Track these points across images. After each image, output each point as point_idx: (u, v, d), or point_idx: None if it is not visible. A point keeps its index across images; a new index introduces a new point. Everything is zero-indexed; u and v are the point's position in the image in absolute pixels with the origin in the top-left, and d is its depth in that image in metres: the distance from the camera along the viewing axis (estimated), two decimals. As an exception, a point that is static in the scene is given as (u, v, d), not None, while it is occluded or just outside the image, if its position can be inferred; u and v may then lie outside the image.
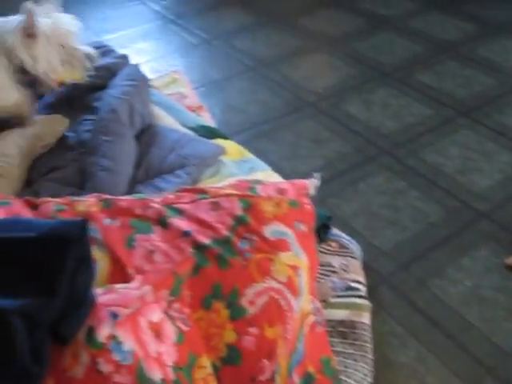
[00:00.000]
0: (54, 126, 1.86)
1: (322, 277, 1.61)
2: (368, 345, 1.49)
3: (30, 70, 1.76)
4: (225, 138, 2.03)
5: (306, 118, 2.49)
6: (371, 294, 1.65)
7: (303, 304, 1.32)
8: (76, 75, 1.87)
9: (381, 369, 1.49)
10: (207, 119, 2.31)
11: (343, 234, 1.78)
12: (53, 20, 1.77)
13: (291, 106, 2.58)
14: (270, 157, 2.15)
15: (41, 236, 0.96)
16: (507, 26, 3.41)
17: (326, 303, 1.53)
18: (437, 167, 2.17)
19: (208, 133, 2.04)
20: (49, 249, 0.95)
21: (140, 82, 2.04)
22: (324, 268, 1.64)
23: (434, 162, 2.19)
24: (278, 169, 1.88)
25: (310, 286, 1.37)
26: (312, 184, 1.58)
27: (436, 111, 2.51)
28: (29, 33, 1.70)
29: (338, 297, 1.55)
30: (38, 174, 1.77)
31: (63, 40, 1.80)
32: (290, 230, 1.40)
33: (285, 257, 1.33)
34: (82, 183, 1.75)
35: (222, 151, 1.86)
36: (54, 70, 1.80)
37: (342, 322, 1.51)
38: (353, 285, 1.59)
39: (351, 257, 1.69)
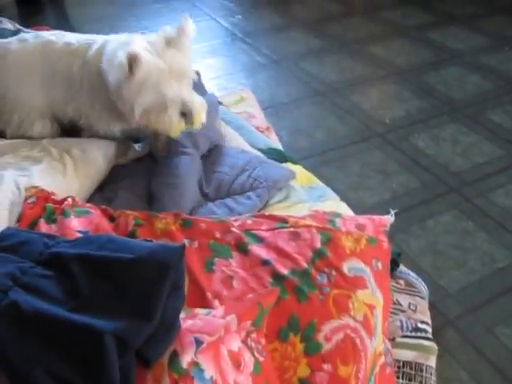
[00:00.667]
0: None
1: (390, 315, 1.60)
2: (433, 389, 1.47)
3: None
4: (294, 162, 2.03)
5: (373, 148, 2.48)
6: (436, 336, 1.62)
7: (377, 344, 1.32)
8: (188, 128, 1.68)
9: (443, 415, 1.47)
10: (275, 141, 2.32)
11: (411, 272, 1.76)
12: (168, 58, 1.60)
13: (359, 134, 2.57)
14: (336, 185, 2.13)
15: (141, 259, 0.97)
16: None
17: (393, 343, 1.51)
18: (506, 210, 2.13)
19: (278, 156, 2.05)
20: (148, 273, 0.96)
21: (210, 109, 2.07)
22: (392, 306, 1.62)
23: (503, 205, 2.16)
24: (344, 198, 1.86)
25: (383, 326, 1.36)
26: (389, 221, 1.57)
27: (507, 152, 2.47)
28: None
29: (406, 337, 1.54)
30: (111, 180, 1.81)
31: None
32: (368, 267, 1.39)
33: (362, 294, 1.33)
34: (150, 197, 1.78)
35: (293, 175, 1.86)
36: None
37: (408, 363, 1.49)
38: (420, 326, 1.57)
39: (419, 296, 1.67)
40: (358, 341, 1.26)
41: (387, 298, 1.41)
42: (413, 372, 1.48)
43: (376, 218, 1.54)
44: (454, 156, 2.44)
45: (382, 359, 1.35)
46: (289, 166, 1.95)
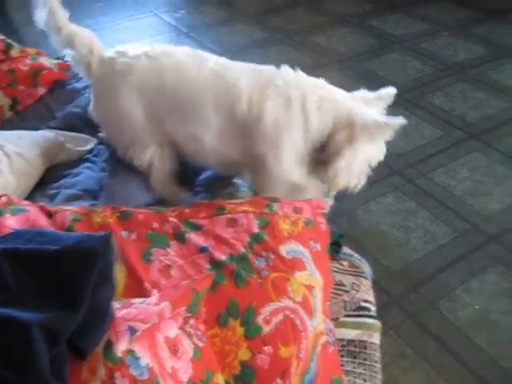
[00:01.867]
0: (80, 144, 1.90)
1: (334, 296, 1.62)
2: (377, 365, 1.49)
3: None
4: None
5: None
6: (380, 314, 1.65)
7: (317, 324, 1.33)
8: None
9: (390, 390, 1.50)
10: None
11: (354, 253, 1.78)
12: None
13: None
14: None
15: (66, 249, 0.97)
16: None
17: (336, 322, 1.53)
18: (447, 188, 2.18)
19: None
20: (74, 262, 0.96)
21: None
22: (335, 287, 1.64)
23: (444, 184, 2.21)
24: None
25: (323, 305, 1.38)
26: (327, 204, 1.59)
27: (446, 133, 2.53)
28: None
29: (349, 316, 1.56)
30: (53, 177, 1.79)
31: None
32: (306, 249, 1.40)
33: (301, 276, 1.34)
34: (96, 192, 1.77)
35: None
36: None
37: (352, 342, 1.51)
38: (364, 304, 1.59)
39: (362, 276, 1.69)
40: (297, 321, 1.27)
41: (327, 278, 1.43)
42: (357, 350, 1.50)
43: (313, 200, 1.56)
44: (396, 139, 2.47)
45: (324, 338, 1.36)
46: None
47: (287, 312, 1.27)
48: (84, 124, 2.02)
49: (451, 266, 1.87)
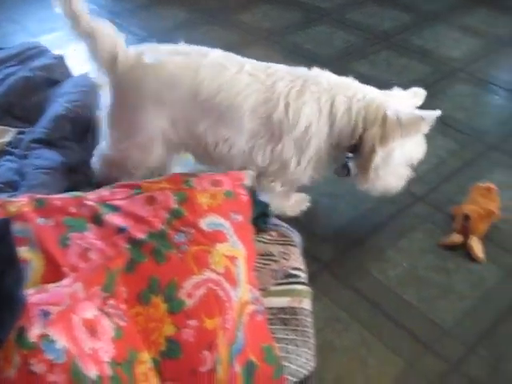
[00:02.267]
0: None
1: (263, 266, 1.62)
2: (310, 330, 1.50)
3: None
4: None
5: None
6: (312, 281, 1.66)
7: (241, 294, 1.33)
8: None
9: (325, 354, 1.52)
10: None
11: (282, 223, 1.79)
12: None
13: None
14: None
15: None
16: (440, 15, 3.50)
17: (266, 291, 1.54)
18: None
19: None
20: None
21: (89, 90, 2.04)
22: (264, 257, 1.65)
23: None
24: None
25: (247, 275, 1.38)
26: (248, 175, 1.59)
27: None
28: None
29: (279, 284, 1.57)
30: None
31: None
32: (227, 220, 1.41)
33: (222, 248, 1.34)
34: (16, 183, 1.73)
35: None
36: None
37: (282, 309, 1.52)
38: (293, 272, 1.60)
39: (291, 245, 1.70)
40: (221, 293, 1.28)
41: (250, 248, 1.44)
42: (287, 316, 1.51)
43: (232, 172, 1.56)
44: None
45: (251, 307, 1.37)
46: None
47: (210, 284, 1.27)
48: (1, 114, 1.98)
49: (381, 228, 1.90)
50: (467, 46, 3.15)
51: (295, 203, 1.91)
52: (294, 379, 1.37)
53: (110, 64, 1.63)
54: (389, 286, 1.71)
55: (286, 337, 1.48)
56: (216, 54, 1.68)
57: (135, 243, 1.29)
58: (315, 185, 1.81)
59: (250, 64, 1.67)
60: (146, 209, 1.37)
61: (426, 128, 1.61)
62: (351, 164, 1.75)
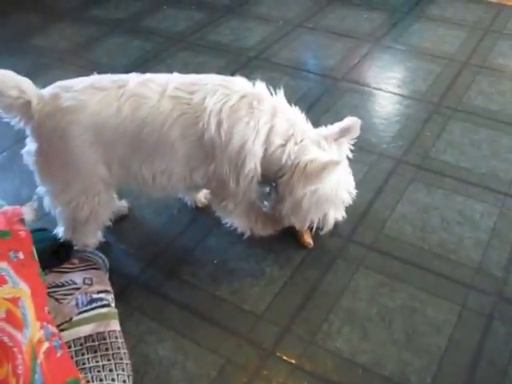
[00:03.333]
0: None
1: (65, 297, 1.58)
2: (122, 350, 1.48)
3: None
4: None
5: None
6: (122, 298, 1.65)
7: (32, 334, 1.28)
8: None
9: (143, 369, 1.50)
10: None
11: (86, 248, 1.75)
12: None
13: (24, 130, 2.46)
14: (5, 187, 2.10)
15: None
16: (234, 9, 3.58)
17: (70, 323, 1.50)
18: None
19: None
20: None
21: None
22: (66, 288, 1.60)
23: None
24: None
25: (36, 312, 1.33)
26: (28, 208, 1.54)
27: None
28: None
29: (81, 313, 1.53)
30: None
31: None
32: (5, 262, 1.35)
33: (1, 291, 1.28)
34: None
35: None
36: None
37: (89, 337, 1.48)
38: (95, 296, 1.57)
39: (94, 268, 1.67)
40: (5, 338, 1.22)
41: (36, 283, 1.39)
42: (96, 343, 1.48)
43: (9, 209, 1.49)
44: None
45: (46, 345, 1.33)
46: None
47: (-8, 333, 1.21)
48: None
49: (185, 231, 1.91)
50: (261, 34, 3.25)
51: (263, 224, 1.84)
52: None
53: (24, 113, 1.52)
54: (200, 285, 1.72)
55: (97, 364, 1.45)
56: (134, 83, 1.56)
57: None
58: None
59: (172, 83, 1.57)
60: None
61: (328, 176, 1.57)
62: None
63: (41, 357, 1.29)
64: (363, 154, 2.08)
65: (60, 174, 1.58)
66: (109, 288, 1.63)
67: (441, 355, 1.53)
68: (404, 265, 1.78)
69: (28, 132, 1.58)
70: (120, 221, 1.91)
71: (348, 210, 1.80)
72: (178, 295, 1.69)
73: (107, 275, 1.69)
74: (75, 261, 1.70)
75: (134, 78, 1.59)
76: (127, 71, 2.75)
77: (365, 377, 1.48)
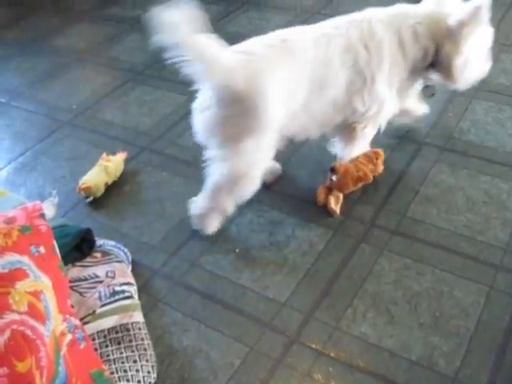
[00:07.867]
0: None
1: (89, 290, 1.58)
2: (146, 341, 1.49)
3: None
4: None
5: (63, 137, 2.43)
6: (145, 291, 1.65)
7: (54, 327, 1.29)
8: None
9: (168, 359, 1.50)
10: None
11: (108, 242, 1.76)
12: None
13: (47, 130, 2.49)
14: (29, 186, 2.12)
15: None
16: (250, 0, 3.56)
17: (93, 315, 1.51)
18: (196, 149, 2.18)
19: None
20: None
21: None
22: (89, 281, 1.61)
23: (194, 145, 2.19)
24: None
25: (59, 305, 1.34)
26: (49, 203, 1.54)
27: (188, 96, 2.54)
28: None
29: (104, 305, 1.54)
30: None
31: None
32: (26, 256, 1.35)
33: (23, 285, 1.29)
34: None
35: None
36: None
37: (113, 329, 1.49)
38: (118, 288, 1.58)
39: (116, 261, 1.68)
40: (28, 332, 1.23)
41: (57, 277, 1.39)
42: (120, 335, 1.48)
43: (29, 205, 1.50)
44: (142, 117, 2.49)
45: (69, 337, 1.33)
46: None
47: (14, 326, 1.22)
48: None
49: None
50: (278, 23, 3.21)
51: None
52: (137, 393, 1.35)
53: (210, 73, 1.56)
54: (223, 275, 1.71)
55: (121, 356, 1.45)
56: (291, 35, 1.72)
57: None
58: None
59: (313, 28, 1.75)
60: None
61: (485, 14, 1.70)
62: (433, 81, 1.95)
63: (64, 349, 1.30)
64: (385, 137, 2.04)
65: (248, 134, 1.61)
66: (131, 280, 1.64)
67: (469, 338, 1.50)
68: (429, 247, 1.75)
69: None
70: (143, 214, 1.92)
71: (370, 194, 1.77)
72: (201, 285, 1.69)
73: (129, 268, 1.70)
74: (97, 255, 1.70)
75: (278, 34, 1.74)
76: (145, 67, 2.85)
77: (391, 361, 1.46)
